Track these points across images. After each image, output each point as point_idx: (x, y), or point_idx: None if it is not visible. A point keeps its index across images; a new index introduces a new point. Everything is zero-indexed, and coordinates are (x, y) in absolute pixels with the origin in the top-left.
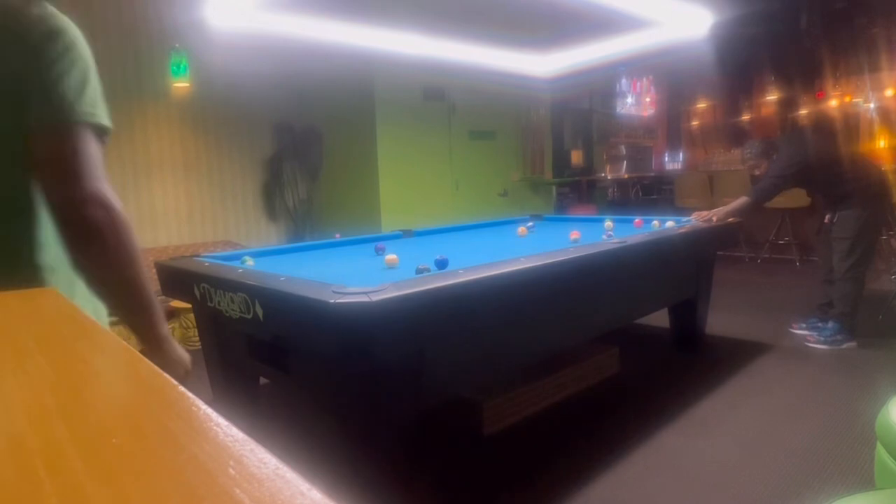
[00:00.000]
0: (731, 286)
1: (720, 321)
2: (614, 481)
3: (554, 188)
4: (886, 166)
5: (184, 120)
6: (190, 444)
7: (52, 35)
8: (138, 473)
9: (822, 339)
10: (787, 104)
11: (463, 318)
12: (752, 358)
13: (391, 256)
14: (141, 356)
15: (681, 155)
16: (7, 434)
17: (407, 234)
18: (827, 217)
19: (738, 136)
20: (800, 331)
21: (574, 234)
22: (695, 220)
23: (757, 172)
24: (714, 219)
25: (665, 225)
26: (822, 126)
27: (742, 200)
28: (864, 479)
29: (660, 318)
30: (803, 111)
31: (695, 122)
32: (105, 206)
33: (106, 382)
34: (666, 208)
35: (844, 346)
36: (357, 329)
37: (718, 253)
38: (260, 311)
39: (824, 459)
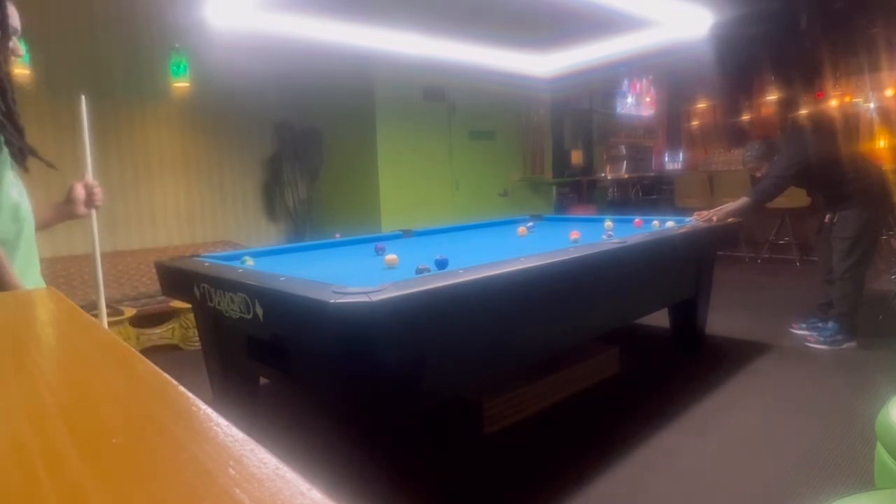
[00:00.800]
0: (731, 286)
1: (720, 321)
2: (614, 481)
3: (554, 188)
4: (887, 166)
5: (184, 120)
6: (190, 444)
7: None
8: (138, 473)
9: (822, 339)
10: (787, 104)
11: (463, 318)
12: (752, 358)
13: (391, 256)
14: (141, 356)
15: (681, 155)
16: (7, 434)
17: (407, 234)
18: (827, 217)
19: (738, 136)
20: (800, 331)
21: (574, 234)
22: (695, 220)
23: (758, 174)
24: (714, 219)
25: (665, 225)
26: (823, 126)
27: (743, 201)
28: (864, 479)
29: (660, 318)
30: (803, 111)
31: (695, 122)
32: None
33: (106, 382)
34: (666, 208)
35: (844, 346)
36: (357, 329)
37: (718, 253)
38: (260, 311)
39: (824, 459)
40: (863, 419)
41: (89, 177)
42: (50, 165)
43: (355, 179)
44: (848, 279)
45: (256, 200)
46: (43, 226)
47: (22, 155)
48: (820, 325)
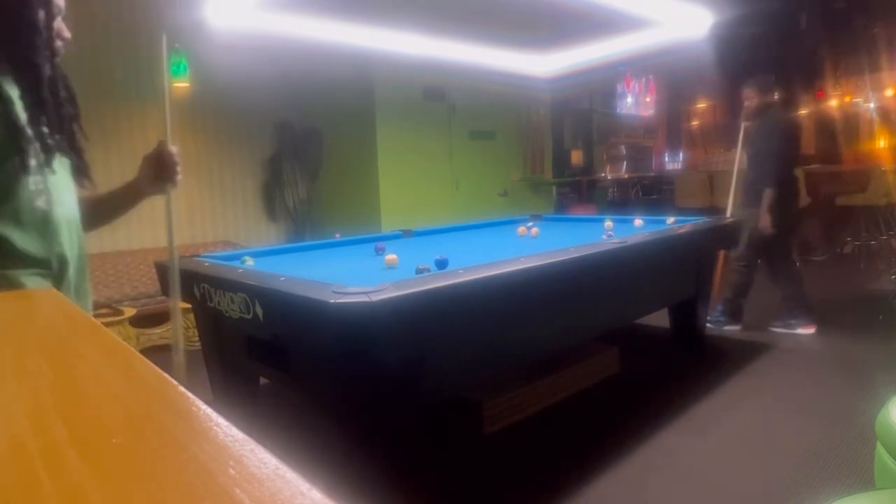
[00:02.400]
0: None
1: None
2: (614, 481)
3: (554, 188)
4: (887, 166)
5: (184, 120)
6: (190, 444)
7: None
8: (138, 473)
9: (710, 319)
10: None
11: (463, 318)
12: (752, 358)
13: (391, 256)
14: (141, 356)
15: (681, 155)
16: (7, 434)
17: (407, 234)
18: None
19: (737, 137)
20: (776, 329)
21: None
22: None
23: (747, 103)
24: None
25: (665, 225)
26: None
27: (767, 194)
28: (864, 479)
29: (660, 318)
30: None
31: (695, 122)
32: None
33: (106, 382)
34: (666, 208)
35: (726, 328)
36: (357, 329)
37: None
38: (260, 311)
39: (824, 459)
40: (863, 419)
41: (169, 143)
42: (85, 175)
43: (355, 179)
44: (734, 269)
45: (256, 200)
46: (107, 218)
47: (49, 154)
48: (792, 321)
